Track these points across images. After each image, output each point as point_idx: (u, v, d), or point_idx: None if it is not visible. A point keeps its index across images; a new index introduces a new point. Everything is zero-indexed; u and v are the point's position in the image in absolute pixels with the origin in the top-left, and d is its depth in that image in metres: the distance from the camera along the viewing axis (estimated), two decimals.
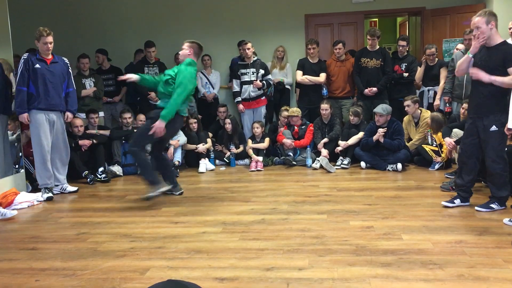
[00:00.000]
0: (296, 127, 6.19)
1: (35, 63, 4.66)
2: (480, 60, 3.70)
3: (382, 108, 5.59)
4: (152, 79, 4.60)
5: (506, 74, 3.57)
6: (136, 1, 7.86)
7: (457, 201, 3.98)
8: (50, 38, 4.68)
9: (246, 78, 6.17)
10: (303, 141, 6.07)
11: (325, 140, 6.01)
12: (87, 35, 7.73)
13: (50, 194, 4.77)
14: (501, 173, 3.72)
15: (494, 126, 3.67)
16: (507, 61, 3.54)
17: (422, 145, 5.63)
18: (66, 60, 4.98)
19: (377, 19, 10.46)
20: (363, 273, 2.66)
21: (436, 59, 6.24)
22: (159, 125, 4.17)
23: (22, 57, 4.69)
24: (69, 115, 5.00)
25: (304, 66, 6.47)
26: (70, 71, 5.02)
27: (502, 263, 2.74)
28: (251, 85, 6.14)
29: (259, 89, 6.16)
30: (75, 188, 5.04)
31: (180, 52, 4.47)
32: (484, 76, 3.63)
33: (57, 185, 4.99)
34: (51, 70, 4.76)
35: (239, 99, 6.23)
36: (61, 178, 5.01)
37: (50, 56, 4.79)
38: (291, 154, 6.01)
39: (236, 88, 6.27)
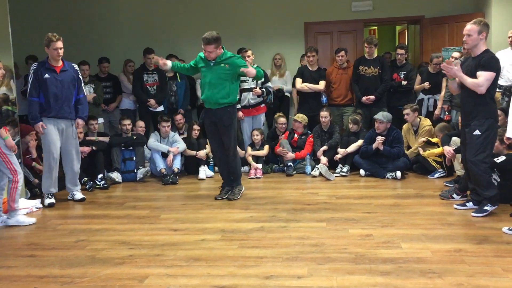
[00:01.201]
0: (296, 135, 6.20)
1: (44, 73, 4.59)
2: (466, 69, 3.83)
3: (383, 115, 5.60)
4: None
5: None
6: (135, 9, 7.89)
7: (469, 204, 4.05)
8: (60, 44, 4.60)
9: (245, 85, 6.17)
10: (303, 152, 6.05)
11: (325, 147, 6.01)
12: (85, 43, 7.75)
13: (52, 200, 4.77)
14: (482, 174, 3.77)
15: (477, 130, 3.76)
16: (479, 66, 3.70)
17: (422, 154, 5.62)
18: (76, 67, 4.90)
19: (376, 28, 10.52)
20: (362, 282, 2.66)
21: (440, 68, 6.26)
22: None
23: (32, 67, 4.63)
24: (79, 122, 4.92)
25: (303, 73, 6.48)
26: (81, 77, 4.93)
27: (501, 272, 2.74)
28: (251, 92, 6.15)
29: (258, 96, 6.17)
30: (82, 196, 4.97)
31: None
32: (455, 72, 3.75)
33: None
34: (60, 79, 4.67)
35: (238, 106, 6.23)
36: (70, 187, 4.97)
37: (60, 63, 4.69)
38: (291, 164, 5.97)
39: None
